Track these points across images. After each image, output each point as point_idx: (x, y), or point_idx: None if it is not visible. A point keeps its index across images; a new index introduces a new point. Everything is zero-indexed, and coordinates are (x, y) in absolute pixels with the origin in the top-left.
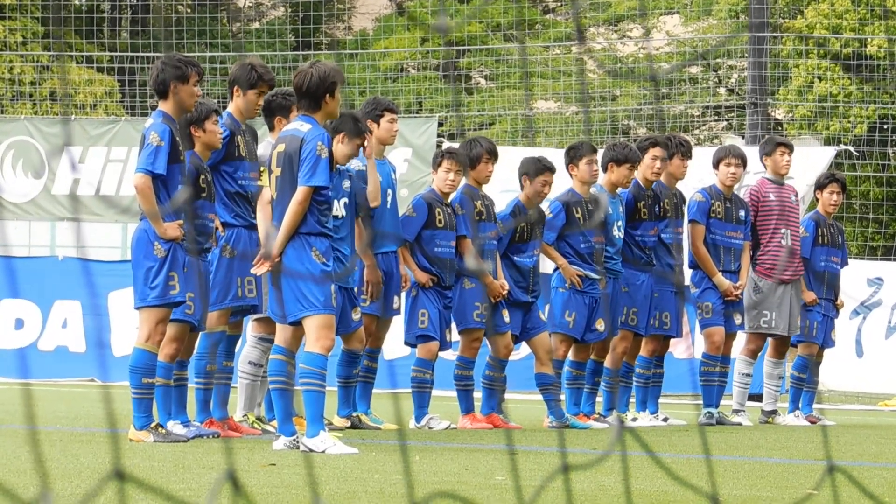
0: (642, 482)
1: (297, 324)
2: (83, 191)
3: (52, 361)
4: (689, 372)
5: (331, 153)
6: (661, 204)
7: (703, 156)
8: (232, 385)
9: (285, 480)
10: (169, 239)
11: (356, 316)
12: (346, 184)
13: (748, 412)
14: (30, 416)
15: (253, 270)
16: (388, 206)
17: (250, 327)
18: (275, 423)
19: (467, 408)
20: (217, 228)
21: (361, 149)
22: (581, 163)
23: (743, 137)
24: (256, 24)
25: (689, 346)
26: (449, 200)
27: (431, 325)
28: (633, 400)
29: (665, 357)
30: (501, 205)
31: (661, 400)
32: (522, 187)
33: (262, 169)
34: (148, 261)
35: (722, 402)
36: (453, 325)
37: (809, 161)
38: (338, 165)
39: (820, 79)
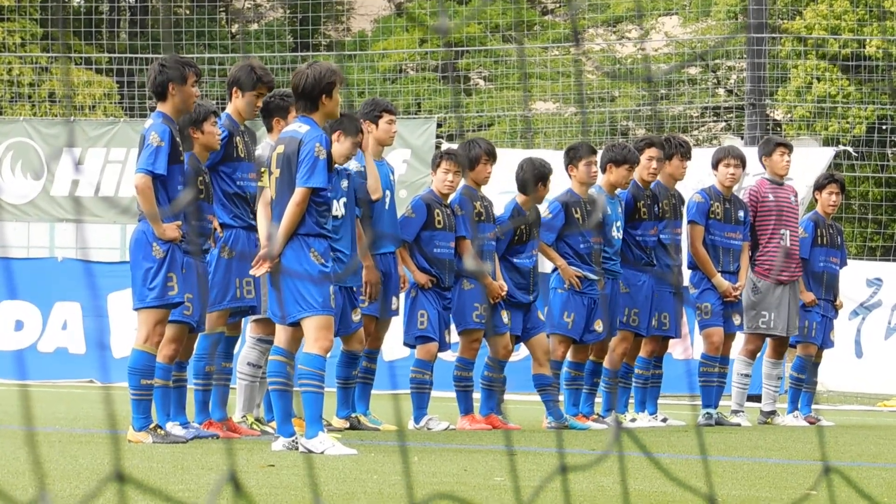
0: (641, 482)
1: (296, 325)
2: (82, 192)
3: (52, 363)
4: (688, 373)
5: (329, 154)
6: (660, 204)
7: (701, 157)
8: (231, 386)
9: (284, 481)
10: (168, 240)
11: (356, 317)
12: (345, 183)
13: (747, 413)
14: (28, 417)
15: (252, 271)
16: (387, 206)
17: (249, 328)
18: (274, 423)
19: (466, 409)
20: (215, 229)
21: (359, 149)
22: (580, 164)
23: (742, 138)
24: (255, 26)
25: (687, 347)
26: (448, 201)
27: (430, 326)
28: (631, 401)
29: (664, 358)
30: (500, 206)
31: (659, 400)
32: (529, 192)
33: (262, 170)
34: (146, 262)
35: (721, 403)
36: (452, 326)
37: (808, 162)
38: (336, 165)
39: (819, 79)
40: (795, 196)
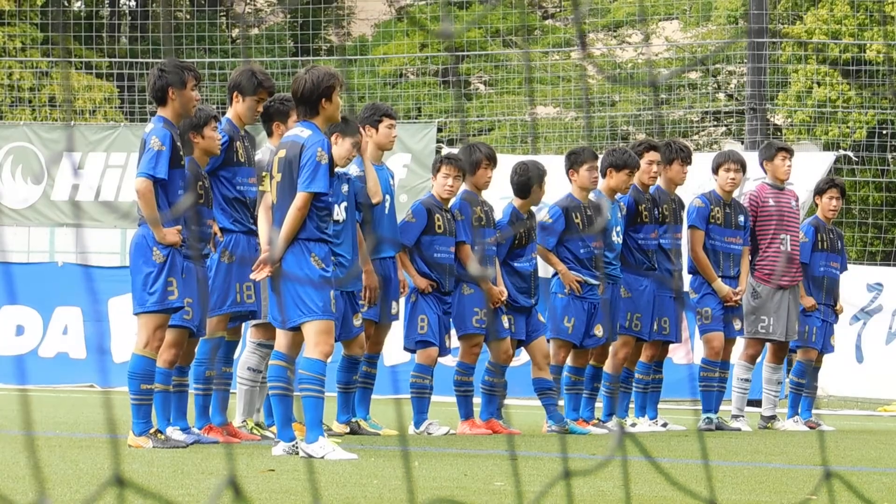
0: (642, 487)
1: (297, 329)
2: (82, 196)
3: (52, 368)
4: (689, 377)
5: (331, 159)
6: (661, 208)
7: (702, 161)
8: (231, 391)
9: (284, 486)
10: (168, 244)
11: (357, 322)
12: (346, 188)
13: (747, 417)
14: (27, 421)
15: (252, 276)
16: (387, 211)
17: (249, 333)
18: (274, 428)
19: (466, 413)
20: (215, 234)
21: (358, 153)
22: (582, 169)
23: (742, 143)
24: (256, 30)
25: (688, 352)
26: (448, 206)
27: (431, 331)
28: (632, 405)
29: (664, 362)
30: (499, 211)
31: (660, 405)
32: (526, 194)
33: (263, 174)
34: (147, 266)
35: (721, 408)
36: (453, 331)
37: (808, 166)
38: (337, 169)
39: (819, 84)
40: (796, 200)
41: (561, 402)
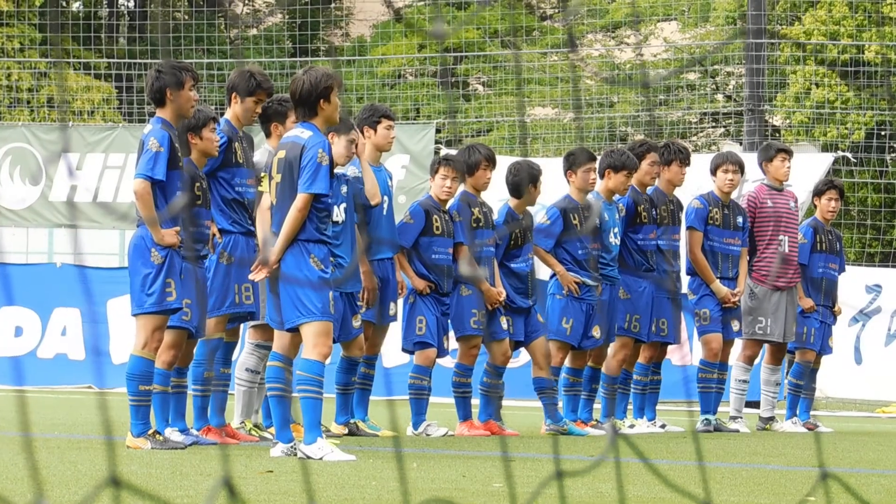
0: (639, 488)
1: (295, 330)
2: (81, 197)
3: (51, 369)
4: (687, 379)
5: (331, 160)
6: (658, 209)
7: (700, 162)
8: (229, 392)
9: (283, 487)
10: (166, 245)
11: (356, 323)
12: (345, 189)
13: (745, 419)
14: (25, 423)
15: (251, 277)
16: (385, 212)
17: (248, 334)
18: (272, 429)
19: (465, 415)
20: (214, 235)
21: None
22: (580, 170)
23: (740, 144)
24: (254, 31)
25: (686, 353)
26: (446, 207)
27: (429, 332)
28: (630, 407)
29: (662, 364)
30: (497, 212)
31: (658, 407)
32: (522, 194)
33: (262, 175)
34: (145, 267)
35: (719, 409)
36: (451, 333)
37: (807, 167)
38: (335, 170)
39: (817, 85)
40: (795, 202)
41: (559, 404)
